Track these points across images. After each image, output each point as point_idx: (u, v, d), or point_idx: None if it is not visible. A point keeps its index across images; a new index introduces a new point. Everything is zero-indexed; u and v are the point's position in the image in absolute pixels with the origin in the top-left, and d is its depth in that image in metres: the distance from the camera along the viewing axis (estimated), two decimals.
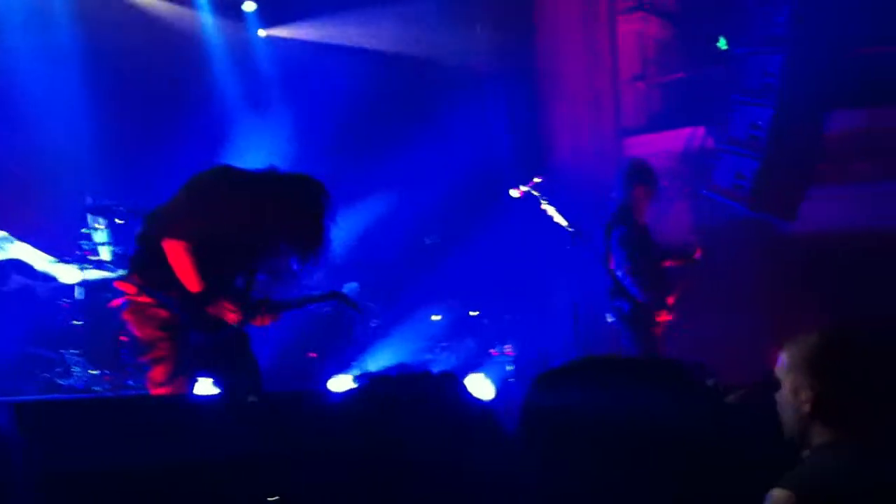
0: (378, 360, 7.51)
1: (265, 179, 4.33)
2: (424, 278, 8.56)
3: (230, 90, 8.63)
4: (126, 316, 4.37)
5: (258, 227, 4.29)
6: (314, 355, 7.01)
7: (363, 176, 8.32)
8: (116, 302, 4.43)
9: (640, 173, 6.25)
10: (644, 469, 1.28)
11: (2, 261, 6.85)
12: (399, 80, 9.08)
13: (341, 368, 7.15)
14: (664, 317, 6.11)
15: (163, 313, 4.24)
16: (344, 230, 7.93)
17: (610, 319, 6.30)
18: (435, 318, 8.51)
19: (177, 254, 4.16)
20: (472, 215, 8.79)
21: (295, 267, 4.40)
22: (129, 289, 4.30)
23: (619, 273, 6.09)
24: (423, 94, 9.08)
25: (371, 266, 8.18)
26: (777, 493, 1.65)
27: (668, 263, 6.35)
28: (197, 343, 4.31)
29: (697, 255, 6.37)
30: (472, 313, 8.61)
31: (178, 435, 3.41)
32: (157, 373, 4.26)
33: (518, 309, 8.45)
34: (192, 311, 4.25)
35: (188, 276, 4.17)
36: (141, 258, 4.34)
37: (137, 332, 4.34)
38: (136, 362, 6.18)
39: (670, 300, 6.13)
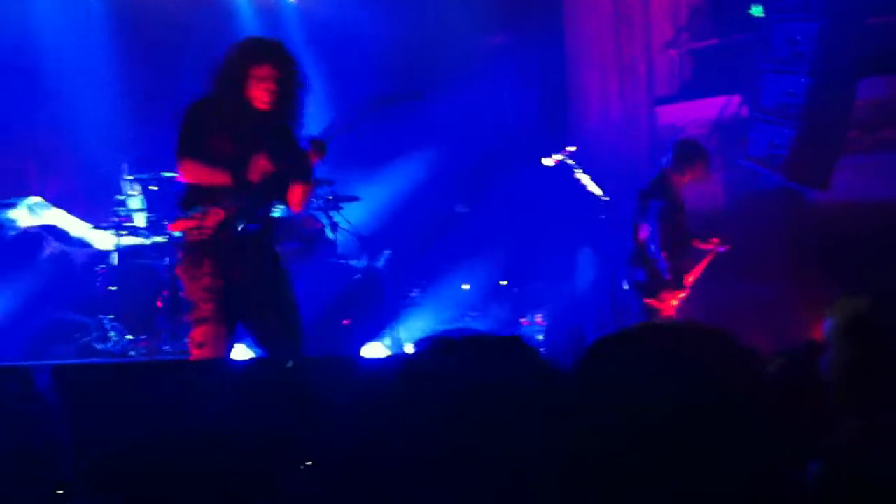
0: (409, 328, 7.55)
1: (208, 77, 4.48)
2: (455, 247, 8.57)
3: None
4: (178, 271, 4.47)
5: (239, 110, 4.37)
6: (347, 322, 7.05)
7: (393, 145, 8.32)
8: (180, 272, 4.44)
9: (697, 157, 6.15)
10: (697, 440, 1.28)
11: (38, 227, 6.94)
12: (429, 49, 9.03)
13: (374, 336, 7.19)
14: (675, 299, 6.05)
15: (209, 277, 4.28)
16: (375, 200, 7.96)
17: (626, 287, 6.26)
18: (465, 286, 8.52)
19: (192, 168, 4.28)
20: (502, 184, 8.76)
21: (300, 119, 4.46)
22: (189, 223, 4.33)
23: (651, 245, 6.04)
24: (453, 62, 9.03)
25: (402, 235, 8.20)
26: (818, 465, 1.64)
27: (696, 244, 6.28)
28: (242, 306, 4.34)
29: (722, 248, 6.28)
30: (501, 283, 8.61)
31: (215, 399, 3.46)
32: (198, 333, 4.30)
33: (548, 278, 8.44)
34: (243, 201, 4.31)
35: (214, 176, 4.27)
36: (181, 203, 4.43)
37: (185, 291, 4.42)
38: (172, 327, 6.27)
39: (689, 280, 6.08)
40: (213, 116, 4.36)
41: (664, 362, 1.32)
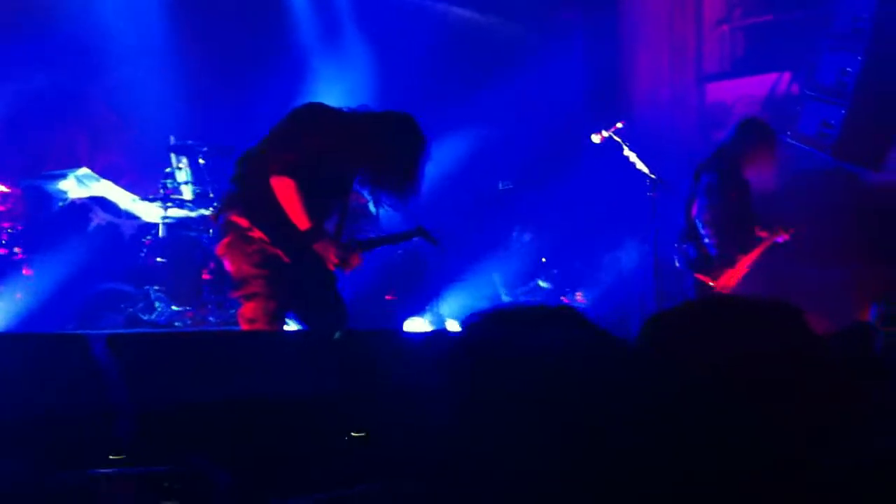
0: (451, 305, 7.56)
1: (362, 116, 4.38)
2: (497, 224, 8.56)
3: (308, 33, 8.64)
4: (221, 250, 4.43)
5: (356, 162, 4.35)
6: (390, 297, 7.08)
7: (438, 120, 8.28)
8: (224, 242, 4.42)
9: (762, 140, 5.98)
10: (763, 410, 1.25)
11: (86, 198, 7.00)
12: (477, 26, 8.99)
13: (416, 311, 7.22)
14: (727, 278, 5.96)
15: (260, 252, 4.29)
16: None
17: (677, 264, 6.19)
18: (506, 264, 8.51)
19: (286, 191, 4.20)
20: (547, 162, 8.71)
21: (386, 203, 4.44)
22: (243, 223, 4.31)
23: (698, 220, 5.95)
24: (501, 39, 8.98)
25: (444, 211, 8.19)
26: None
27: (759, 232, 6.15)
28: (289, 281, 4.35)
29: (784, 237, 6.14)
30: (542, 259, 8.58)
31: (266, 370, 3.49)
32: (248, 309, 4.32)
33: (591, 256, 8.40)
34: (296, 247, 4.30)
35: (297, 214, 4.22)
36: (242, 197, 4.37)
37: (232, 268, 4.40)
38: (218, 299, 6.33)
39: (744, 261, 5.95)
40: (330, 154, 4.30)
41: (726, 335, 1.30)
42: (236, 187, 4.42)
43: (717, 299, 1.54)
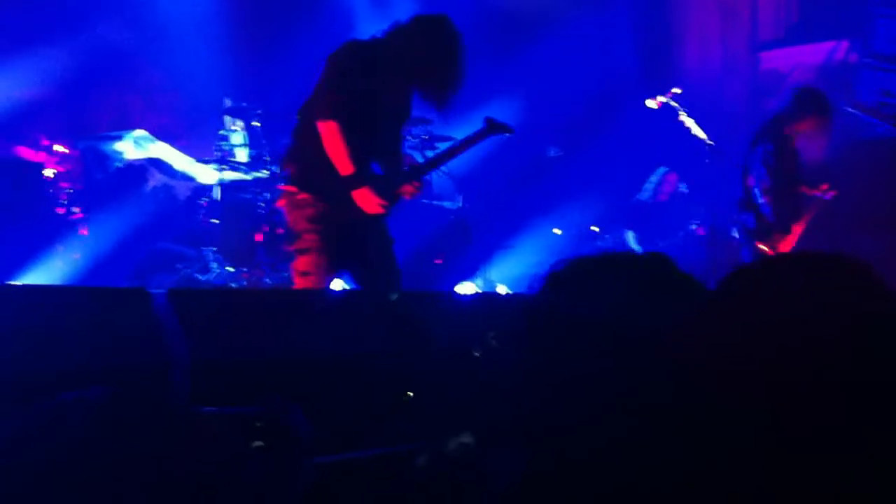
0: (500, 270, 7.58)
1: (391, 34, 4.39)
2: (546, 191, 8.52)
3: None
4: (280, 203, 4.56)
5: (400, 81, 4.37)
6: (439, 262, 7.10)
7: (487, 86, 8.25)
8: (281, 202, 4.55)
9: (817, 110, 5.91)
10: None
11: (143, 160, 7.10)
12: None
13: (466, 276, 7.24)
14: (785, 243, 5.93)
15: (313, 207, 4.35)
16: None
17: (735, 234, 6.15)
18: (556, 231, 8.48)
19: (330, 135, 4.24)
20: (597, 128, 8.64)
21: (437, 108, 4.44)
22: (291, 189, 4.43)
23: (756, 189, 5.92)
24: (549, 6, 8.89)
25: (494, 178, 8.18)
26: None
27: (804, 189, 6.12)
28: (343, 239, 4.40)
29: (828, 195, 6.08)
30: (592, 228, 8.54)
31: (319, 328, 3.53)
32: (301, 263, 4.39)
33: (640, 225, 8.34)
34: (341, 199, 4.34)
35: (340, 158, 4.25)
36: (298, 151, 4.45)
37: (289, 221, 4.50)
38: (272, 260, 6.40)
39: (796, 228, 5.94)
40: (369, 83, 4.30)
41: (812, 292, 1.24)
42: (294, 140, 4.50)
43: (799, 255, 1.47)
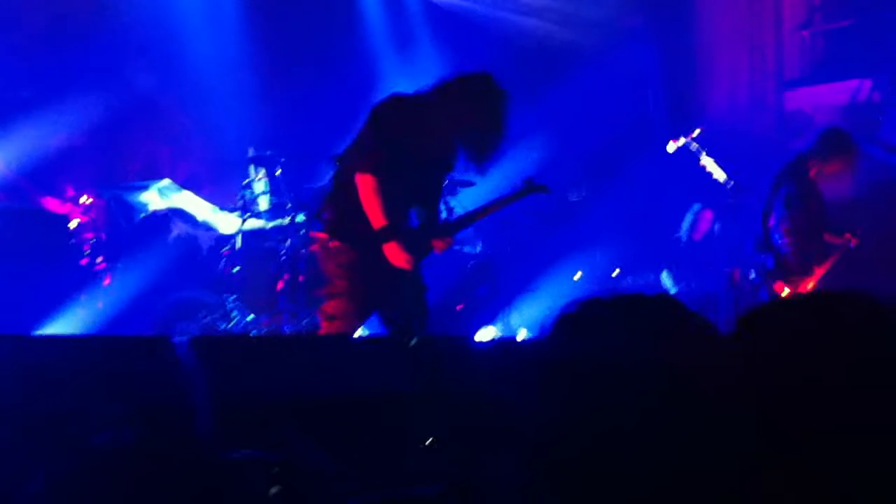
0: (522, 315, 7.54)
1: (436, 91, 4.42)
2: (568, 235, 8.51)
3: (382, 44, 8.73)
4: (313, 248, 4.65)
5: (444, 139, 4.41)
6: (461, 307, 7.08)
7: (510, 128, 8.28)
8: (314, 247, 4.62)
9: (843, 150, 5.89)
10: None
11: (167, 209, 7.16)
12: (550, 34, 8.97)
13: (487, 321, 7.21)
14: (806, 284, 5.87)
15: (346, 255, 4.36)
16: (491, 185, 7.99)
17: (752, 276, 6.10)
18: (577, 275, 8.45)
19: (366, 188, 4.26)
20: (619, 172, 8.65)
21: (475, 169, 4.47)
22: (322, 236, 4.47)
23: (776, 230, 5.89)
24: (574, 49, 8.95)
25: (516, 220, 8.18)
26: None
27: (828, 237, 6.07)
28: (374, 286, 4.40)
29: (852, 243, 6.04)
30: (614, 273, 8.50)
31: (340, 373, 3.52)
32: (331, 307, 4.41)
33: (663, 269, 8.29)
34: (373, 249, 4.35)
35: (374, 211, 4.27)
36: (333, 197, 4.49)
37: (320, 265, 4.55)
38: (293, 308, 6.41)
39: (819, 270, 5.89)
40: (412, 140, 4.34)
41: (830, 330, 1.26)
42: (331, 186, 4.55)
43: (817, 294, 1.51)
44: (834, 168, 5.88)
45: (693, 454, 1.11)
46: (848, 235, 5.99)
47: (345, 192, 4.36)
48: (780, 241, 5.86)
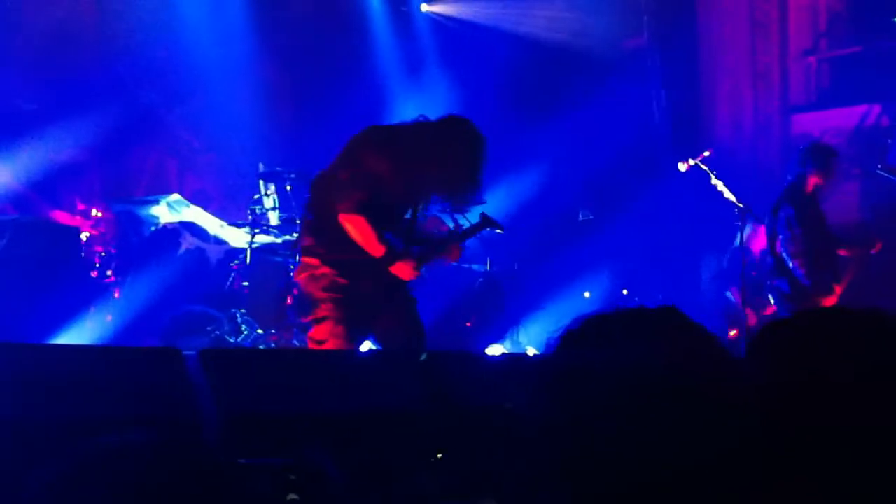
0: (530, 332, 7.55)
1: (414, 128, 4.43)
2: (577, 254, 8.53)
3: (391, 62, 8.80)
4: (297, 278, 4.56)
5: (414, 175, 4.40)
6: (469, 325, 7.10)
7: (517, 151, 8.33)
8: (301, 276, 4.52)
9: (819, 156, 6.03)
10: None
11: (176, 223, 7.20)
12: (556, 56, 9.03)
13: (495, 339, 7.22)
14: (827, 304, 5.89)
15: (332, 280, 4.36)
16: (500, 204, 8.01)
17: (771, 300, 6.14)
18: (586, 294, 8.45)
19: (358, 227, 4.30)
20: (627, 192, 8.67)
21: (449, 208, 4.50)
22: (313, 262, 4.43)
23: (784, 254, 5.94)
24: (580, 70, 9.00)
25: (523, 241, 8.21)
26: None
27: (842, 252, 6.13)
28: (362, 306, 4.40)
29: (876, 249, 6.11)
30: (623, 292, 8.51)
31: (347, 387, 3.53)
32: (318, 332, 4.39)
33: (672, 288, 8.30)
34: (370, 274, 4.37)
35: (372, 245, 4.31)
36: (315, 225, 4.47)
37: (305, 291, 4.52)
38: (301, 323, 6.42)
39: (838, 288, 5.93)
40: (392, 178, 4.35)
41: (837, 341, 1.28)
42: (310, 214, 4.53)
43: (827, 311, 1.52)
44: (821, 178, 5.97)
45: (694, 458, 1.12)
46: (866, 244, 6.07)
47: (326, 220, 4.37)
48: (792, 264, 5.92)
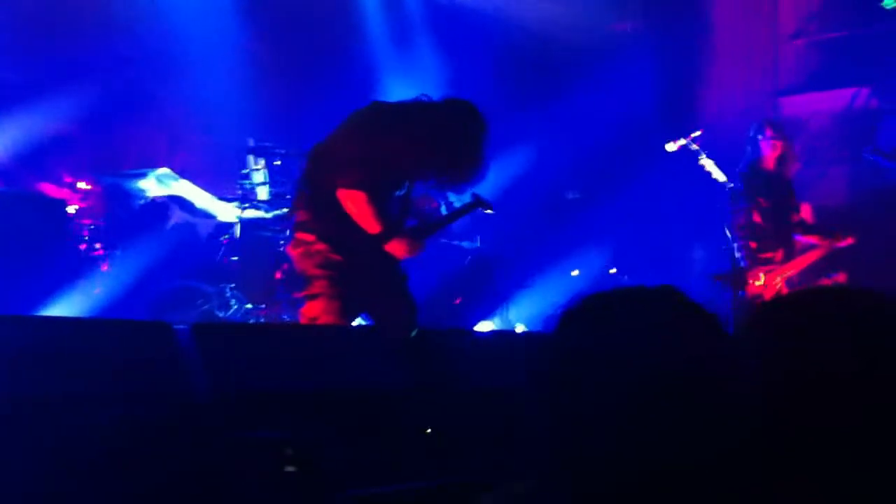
0: (519, 310, 7.58)
1: (422, 109, 4.42)
2: (565, 233, 8.55)
3: (380, 40, 8.75)
4: (291, 252, 4.54)
5: (419, 156, 4.40)
6: (458, 301, 7.12)
7: (507, 128, 8.31)
8: (295, 250, 4.50)
9: (763, 127, 6.07)
10: None
11: (165, 197, 7.17)
12: (545, 37, 9.01)
13: (484, 316, 7.25)
14: (758, 281, 5.88)
15: (327, 256, 4.35)
16: (489, 182, 8.00)
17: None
18: (574, 273, 8.49)
19: (357, 203, 4.29)
20: (615, 171, 8.70)
21: (448, 190, 4.51)
22: (308, 237, 4.41)
23: (728, 230, 5.97)
24: (577, 48, 8.99)
25: (512, 219, 8.22)
26: None
27: (814, 239, 6.12)
28: (356, 283, 4.40)
29: (844, 243, 6.07)
30: (611, 271, 8.54)
31: (340, 363, 3.54)
32: (311, 308, 4.39)
33: (659, 267, 8.34)
34: (364, 251, 4.36)
35: (370, 222, 4.31)
36: (311, 199, 4.44)
37: (298, 267, 4.50)
38: (291, 297, 6.42)
39: (771, 277, 5.88)
40: (393, 156, 4.36)
41: (838, 325, 1.27)
42: (305, 188, 4.49)
43: (822, 289, 1.51)
44: (771, 150, 6.07)
45: (694, 458, 1.13)
46: (839, 235, 6.05)
47: (324, 195, 4.35)
48: (736, 244, 5.93)
